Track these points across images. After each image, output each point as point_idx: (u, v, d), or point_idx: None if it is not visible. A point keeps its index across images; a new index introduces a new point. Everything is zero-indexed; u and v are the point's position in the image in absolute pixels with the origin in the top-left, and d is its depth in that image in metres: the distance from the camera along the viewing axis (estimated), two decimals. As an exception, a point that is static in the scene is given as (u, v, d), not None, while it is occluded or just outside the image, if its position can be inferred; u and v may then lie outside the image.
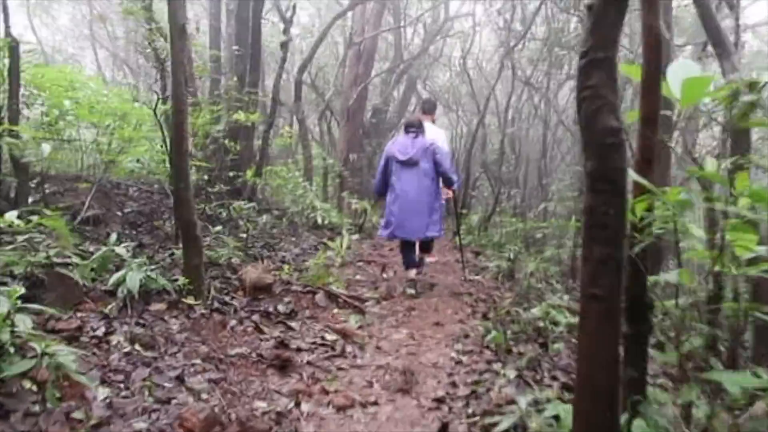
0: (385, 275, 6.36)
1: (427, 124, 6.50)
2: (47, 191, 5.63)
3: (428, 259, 6.68)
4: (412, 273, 5.89)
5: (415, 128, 5.92)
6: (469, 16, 14.10)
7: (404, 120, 6.82)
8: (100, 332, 2.99)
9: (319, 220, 7.61)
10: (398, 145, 5.91)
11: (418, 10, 14.64)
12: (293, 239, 7.05)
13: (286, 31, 8.16)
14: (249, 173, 6.82)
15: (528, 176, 12.49)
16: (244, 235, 5.72)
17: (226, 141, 6.67)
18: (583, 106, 2.03)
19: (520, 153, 13.60)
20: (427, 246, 6.39)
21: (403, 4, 13.77)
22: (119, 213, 5.85)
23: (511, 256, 6.95)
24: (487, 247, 8.95)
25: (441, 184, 6.04)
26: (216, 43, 8.43)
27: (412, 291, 5.66)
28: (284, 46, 8.12)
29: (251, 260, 5.30)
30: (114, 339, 2.96)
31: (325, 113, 11.80)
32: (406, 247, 6.01)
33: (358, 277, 5.99)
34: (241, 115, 5.95)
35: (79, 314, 3.16)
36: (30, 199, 5.17)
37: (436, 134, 6.75)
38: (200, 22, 8.70)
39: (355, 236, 8.24)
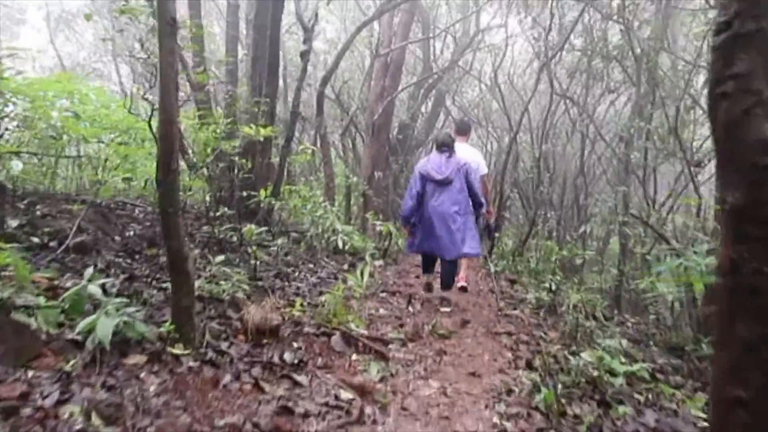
0: (411, 309, 5.68)
1: (464, 145, 6.70)
2: (37, 213, 5.09)
3: (460, 283, 6.26)
4: (430, 277, 6.20)
5: (447, 147, 5.98)
6: (501, 27, 13.44)
7: (435, 137, 6.70)
8: (51, 400, 2.36)
9: (340, 245, 6.97)
10: (432, 164, 5.94)
11: (448, 22, 14.04)
12: (311, 266, 6.41)
13: (306, 41, 7.59)
14: (263, 193, 6.21)
15: (564, 196, 11.72)
16: (255, 263, 5.10)
17: (237, 158, 6.08)
18: (722, 107, 1.34)
19: (554, 171, 12.86)
20: (449, 272, 6.06)
21: (432, 14, 13.18)
22: (117, 238, 5.28)
23: (553, 287, 6.21)
24: (523, 274, 8.21)
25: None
26: (234, 52, 7.90)
27: (428, 293, 6.11)
28: (304, 55, 7.55)
29: (260, 293, 4.66)
30: (67, 410, 2.32)
31: (348, 129, 11.23)
32: (427, 257, 6.20)
33: (381, 311, 5.31)
34: (250, 129, 5.34)
35: (30, 374, 2.54)
36: (15, 223, 4.63)
37: (473, 155, 6.77)
38: (212, 25, 8.17)
39: (379, 262, 7.59)
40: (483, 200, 6.10)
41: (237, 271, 4.80)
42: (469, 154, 6.59)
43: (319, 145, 9.19)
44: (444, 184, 5.85)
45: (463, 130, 7.16)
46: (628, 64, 9.21)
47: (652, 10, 8.95)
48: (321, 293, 5.32)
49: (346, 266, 6.80)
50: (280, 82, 11.81)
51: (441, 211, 5.83)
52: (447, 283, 6.01)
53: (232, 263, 5.21)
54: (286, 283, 5.36)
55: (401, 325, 4.92)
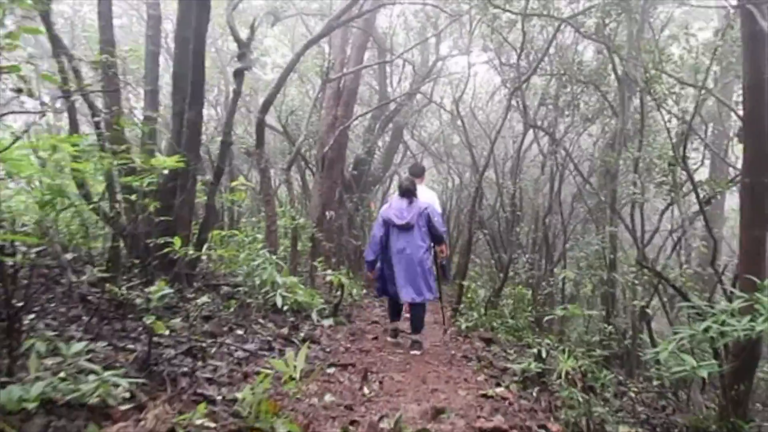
0: (366, 390, 4.37)
1: (420, 187, 6.75)
2: None
3: (423, 341, 6.16)
4: (396, 324, 6.37)
5: (410, 193, 6.19)
6: (463, 55, 12.52)
7: (399, 183, 6.82)
8: None
9: (279, 302, 5.64)
10: (394, 209, 6.18)
11: (407, 45, 13.06)
12: (240, 333, 5.06)
13: (241, 57, 6.38)
14: (178, 241, 4.88)
15: (537, 236, 10.66)
16: (149, 341, 3.73)
17: (146, 197, 4.76)
18: None
19: (522, 208, 11.82)
20: (418, 313, 6.18)
21: (388, 40, 12.18)
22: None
23: (542, 353, 5.01)
24: (499, 331, 7.00)
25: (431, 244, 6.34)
26: (154, 73, 6.62)
27: (393, 339, 6.20)
28: (238, 75, 6.34)
29: (153, 388, 3.31)
30: None
31: (295, 162, 10.00)
32: (393, 302, 6.34)
33: (326, 398, 3.99)
34: (152, 160, 4.01)
35: None
36: None
37: (429, 197, 7.02)
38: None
39: (329, 321, 6.28)
40: (444, 235, 6.35)
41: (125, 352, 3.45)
42: (424, 194, 6.76)
43: (259, 181, 7.91)
44: (406, 229, 6.07)
45: (417, 173, 7.39)
46: (606, 89, 8.28)
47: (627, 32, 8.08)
48: (246, 377, 3.99)
49: (286, 330, 5.47)
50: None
51: (403, 255, 6.04)
52: (416, 326, 6.13)
53: (117, 340, 3.85)
54: (199, 364, 4.00)
55: (352, 423, 3.61)
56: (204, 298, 5.39)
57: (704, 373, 3.77)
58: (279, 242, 8.86)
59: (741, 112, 6.40)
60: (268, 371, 3.50)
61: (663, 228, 8.80)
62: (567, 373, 4.89)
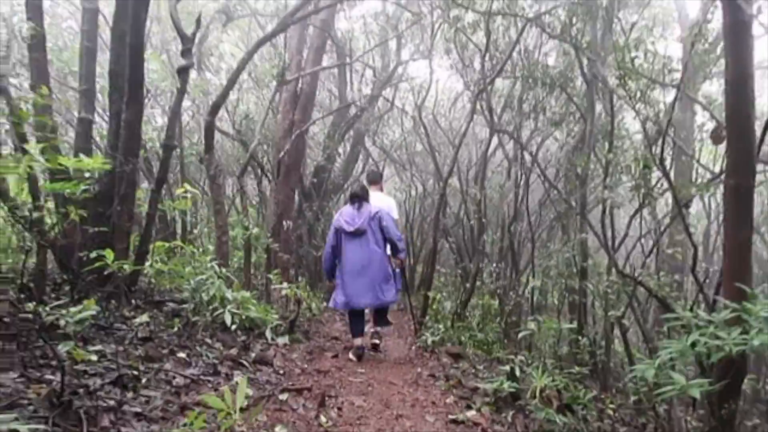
0: (323, 417, 3.89)
1: (377, 194, 6.83)
2: None
3: (374, 340, 6.32)
4: (359, 341, 6.00)
5: (359, 198, 6.13)
6: (425, 59, 12.17)
7: (349, 189, 6.98)
8: None
9: (228, 320, 5.12)
10: (345, 216, 6.11)
11: (366, 54, 12.67)
12: (183, 355, 4.53)
13: (186, 53, 5.88)
14: (110, 254, 4.35)
15: (505, 244, 10.31)
16: (63, 370, 3.20)
17: (74, 206, 4.22)
18: None
19: (485, 215, 11.48)
20: (381, 317, 6.37)
21: (347, 43, 11.77)
22: None
23: (516, 372, 4.61)
24: (468, 345, 6.60)
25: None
26: (90, 71, 6.05)
27: (356, 359, 5.82)
28: (182, 72, 5.83)
29: (63, 431, 2.79)
30: None
31: (248, 169, 9.46)
32: (355, 316, 6.18)
33: (277, 431, 3.51)
34: (68, 160, 3.47)
35: None
36: None
37: (386, 202, 6.83)
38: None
39: (283, 339, 5.78)
40: (401, 244, 6.15)
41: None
42: (381, 201, 6.63)
43: (208, 188, 7.38)
44: (356, 234, 6.00)
45: (374, 179, 7.29)
46: (573, 92, 8.01)
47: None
48: (184, 409, 3.49)
49: (236, 350, 4.96)
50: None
51: (356, 261, 5.98)
52: (380, 323, 6.33)
53: (35, 370, 3.31)
54: (128, 396, 3.48)
55: (306, 461, 3.14)
56: (143, 317, 4.85)
57: (696, 393, 3.41)
58: (232, 254, 8.34)
59: (719, 111, 6.21)
60: (210, 400, 3.01)
61: (631, 233, 8.58)
62: (542, 391, 4.53)
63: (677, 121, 8.75)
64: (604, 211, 6.86)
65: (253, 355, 5.04)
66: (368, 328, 6.42)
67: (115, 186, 5.34)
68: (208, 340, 5.10)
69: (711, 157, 8.02)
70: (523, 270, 10.52)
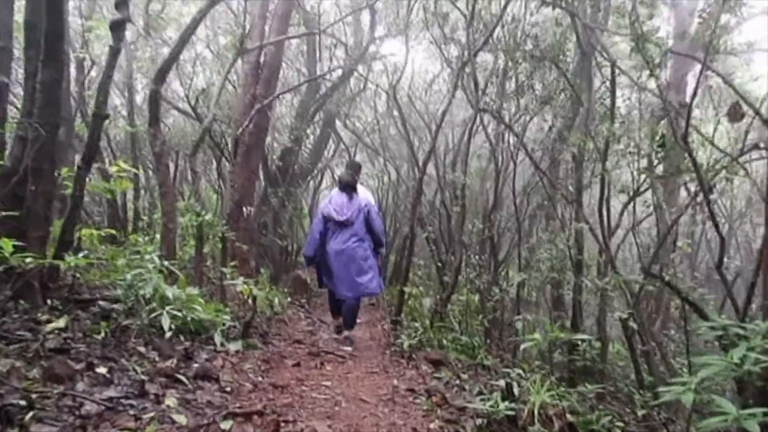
0: (278, 453, 3.06)
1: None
2: None
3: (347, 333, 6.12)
4: (339, 320, 6.11)
5: (351, 188, 6.10)
6: (400, 35, 11.31)
7: (339, 177, 6.52)
8: None
9: (165, 324, 4.24)
10: (334, 204, 6.07)
11: (337, 28, 11.75)
12: (104, 371, 3.64)
13: (120, 6, 4.93)
14: (7, 244, 3.44)
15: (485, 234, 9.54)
16: None
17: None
18: None
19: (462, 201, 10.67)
20: (350, 312, 6.13)
21: (317, 15, 10.84)
22: None
23: (514, 390, 3.84)
24: (450, 349, 5.81)
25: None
26: (6, 23, 5.07)
27: (337, 336, 6.03)
28: (116, 28, 4.89)
29: None
30: None
31: (209, 150, 8.57)
32: (334, 299, 6.21)
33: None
34: None
35: None
36: None
37: (364, 194, 6.50)
38: None
39: (236, 346, 4.92)
40: (383, 239, 6.22)
41: None
42: (361, 194, 6.35)
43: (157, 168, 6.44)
44: (345, 225, 5.97)
45: (354, 171, 6.75)
46: (565, 66, 7.24)
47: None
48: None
49: (174, 362, 4.08)
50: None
51: (341, 251, 5.94)
52: (349, 323, 6.09)
53: None
54: (10, 435, 2.60)
55: None
56: (59, 322, 3.97)
57: (754, 428, 2.65)
58: (184, 244, 7.43)
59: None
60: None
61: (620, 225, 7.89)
62: (542, 410, 3.77)
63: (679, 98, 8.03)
64: (602, 198, 6.14)
65: (195, 367, 4.17)
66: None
67: (34, 162, 4.41)
68: (141, 349, 4.21)
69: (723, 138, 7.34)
70: (502, 262, 9.80)
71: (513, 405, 3.63)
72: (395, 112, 13.17)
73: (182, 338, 4.67)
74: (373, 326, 7.18)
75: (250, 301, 5.29)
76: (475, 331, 6.74)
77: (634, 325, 4.71)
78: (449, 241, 11.41)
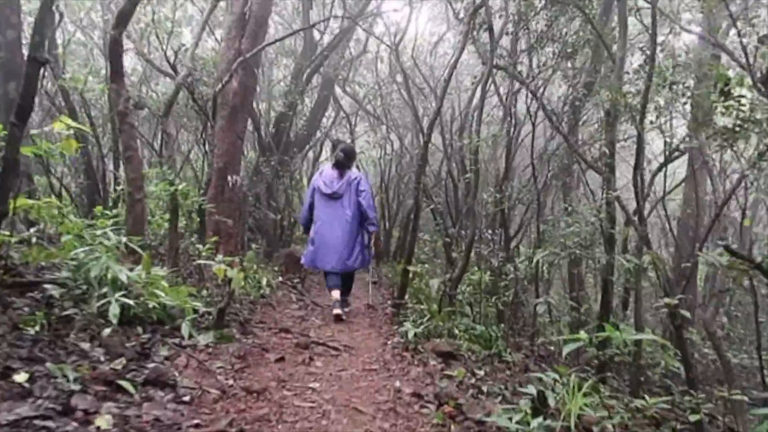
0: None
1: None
2: None
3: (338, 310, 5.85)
4: (337, 294, 5.92)
5: (343, 166, 6.13)
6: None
7: (336, 154, 6.23)
8: None
9: (114, 314, 3.43)
10: (325, 177, 6.14)
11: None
12: (21, 378, 2.83)
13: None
14: None
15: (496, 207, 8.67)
16: None
17: None
18: None
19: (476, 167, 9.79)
20: (346, 286, 6.22)
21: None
22: None
23: (550, 401, 3.03)
24: (461, 338, 4.99)
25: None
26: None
27: (338, 311, 5.74)
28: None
29: None
30: None
31: (186, 112, 7.68)
32: (329, 273, 6.11)
33: None
34: None
35: None
36: None
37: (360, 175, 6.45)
38: None
39: (206, 338, 4.11)
40: (373, 214, 6.12)
41: None
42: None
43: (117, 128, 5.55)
44: (332, 198, 6.03)
45: (347, 155, 6.64)
46: (593, 14, 6.32)
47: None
48: None
49: (121, 362, 3.26)
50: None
51: (328, 224, 6.02)
52: (342, 289, 6.05)
53: None
54: None
55: None
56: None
57: None
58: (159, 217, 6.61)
59: None
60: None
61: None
62: (579, 420, 2.97)
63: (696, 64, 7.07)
64: (637, 162, 5.29)
65: (150, 366, 3.36)
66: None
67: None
68: (85, 346, 3.40)
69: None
70: (514, 236, 8.99)
71: (550, 424, 2.81)
72: (398, 77, 12.29)
73: (140, 330, 3.86)
74: (374, 310, 6.37)
75: (224, 284, 4.45)
76: (489, 315, 5.92)
77: (687, 314, 3.87)
78: (456, 214, 10.60)
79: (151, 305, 4.01)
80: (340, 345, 4.65)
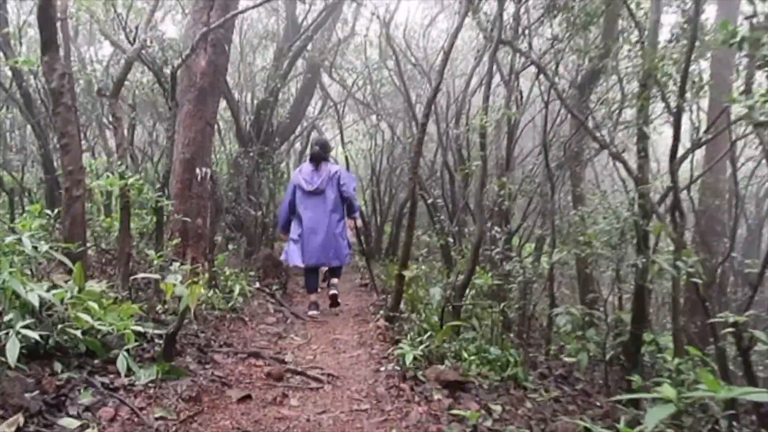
0: None
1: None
2: None
3: (332, 291, 6.10)
4: (314, 296, 6.11)
5: (319, 158, 6.16)
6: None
7: (310, 150, 6.55)
8: None
9: (11, 354, 2.56)
10: (304, 174, 6.17)
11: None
12: None
13: None
14: None
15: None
16: None
17: None
18: None
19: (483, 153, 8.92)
20: (336, 272, 6.31)
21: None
22: None
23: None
24: (471, 363, 4.12)
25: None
26: None
27: (315, 313, 5.89)
28: None
29: None
30: None
31: (123, 85, 6.74)
32: (309, 272, 6.25)
33: None
34: None
35: None
36: None
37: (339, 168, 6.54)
38: None
39: (147, 374, 3.22)
40: (357, 203, 6.44)
41: None
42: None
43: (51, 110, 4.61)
44: (314, 194, 6.06)
45: (321, 146, 6.66)
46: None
47: None
48: None
49: (16, 424, 2.38)
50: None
51: (312, 220, 6.03)
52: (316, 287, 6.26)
53: None
54: None
55: None
56: None
57: None
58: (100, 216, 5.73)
59: None
60: None
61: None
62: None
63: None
64: (675, 149, 4.47)
65: (59, 426, 2.48)
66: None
67: None
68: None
69: None
70: (515, 232, 8.14)
71: None
72: (389, 62, 11.41)
73: (59, 367, 2.98)
74: (364, 322, 5.50)
75: (179, 302, 3.55)
76: (498, 328, 5.05)
77: (762, 335, 3.03)
78: (453, 209, 9.74)
79: (75, 333, 3.13)
80: (323, 374, 3.78)
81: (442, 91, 9.80)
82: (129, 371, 3.14)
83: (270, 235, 10.09)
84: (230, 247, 7.80)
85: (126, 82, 9.27)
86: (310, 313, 5.87)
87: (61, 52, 4.41)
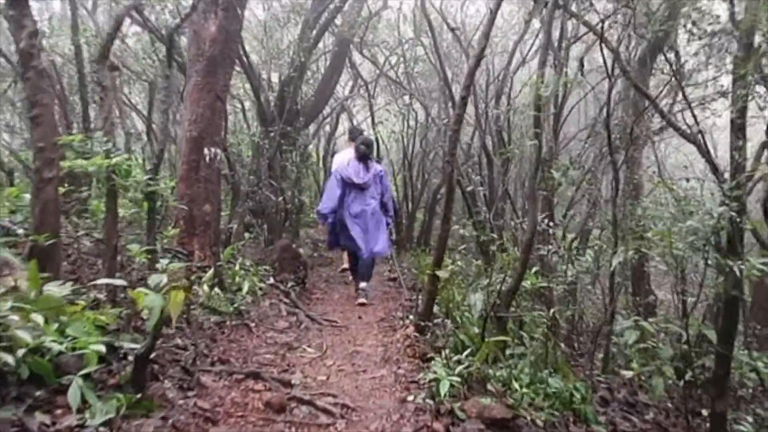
0: None
1: (345, 151, 7.47)
2: None
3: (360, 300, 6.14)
4: (364, 284, 6.29)
5: (367, 158, 6.57)
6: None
7: (357, 147, 6.66)
8: None
9: None
10: (352, 169, 6.46)
11: None
12: None
13: None
14: None
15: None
16: None
17: None
18: None
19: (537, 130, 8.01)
20: (367, 267, 6.44)
21: None
22: None
23: None
24: (523, 399, 3.31)
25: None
26: None
27: (363, 300, 6.09)
28: None
29: None
30: None
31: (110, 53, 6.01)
32: (353, 256, 6.66)
33: None
34: None
35: None
36: None
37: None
38: None
39: (106, 410, 2.49)
40: (391, 204, 6.78)
41: None
42: (346, 157, 6.88)
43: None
44: (362, 188, 6.43)
45: (353, 138, 7.32)
46: None
47: None
48: None
49: None
50: None
51: (360, 212, 6.38)
52: (365, 276, 6.34)
53: None
54: None
55: None
56: None
57: None
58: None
59: None
60: None
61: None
62: None
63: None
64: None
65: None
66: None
67: None
68: None
69: None
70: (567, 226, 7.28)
71: None
72: (424, 39, 10.57)
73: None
74: (390, 330, 4.73)
75: (149, 313, 2.81)
76: (549, 343, 4.23)
77: None
78: (492, 197, 8.91)
79: (21, 354, 2.43)
80: (335, 404, 3.03)
81: (481, 68, 8.96)
82: (84, 404, 2.44)
83: (294, 221, 9.39)
84: (247, 235, 7.10)
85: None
86: (360, 300, 6.06)
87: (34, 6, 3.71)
